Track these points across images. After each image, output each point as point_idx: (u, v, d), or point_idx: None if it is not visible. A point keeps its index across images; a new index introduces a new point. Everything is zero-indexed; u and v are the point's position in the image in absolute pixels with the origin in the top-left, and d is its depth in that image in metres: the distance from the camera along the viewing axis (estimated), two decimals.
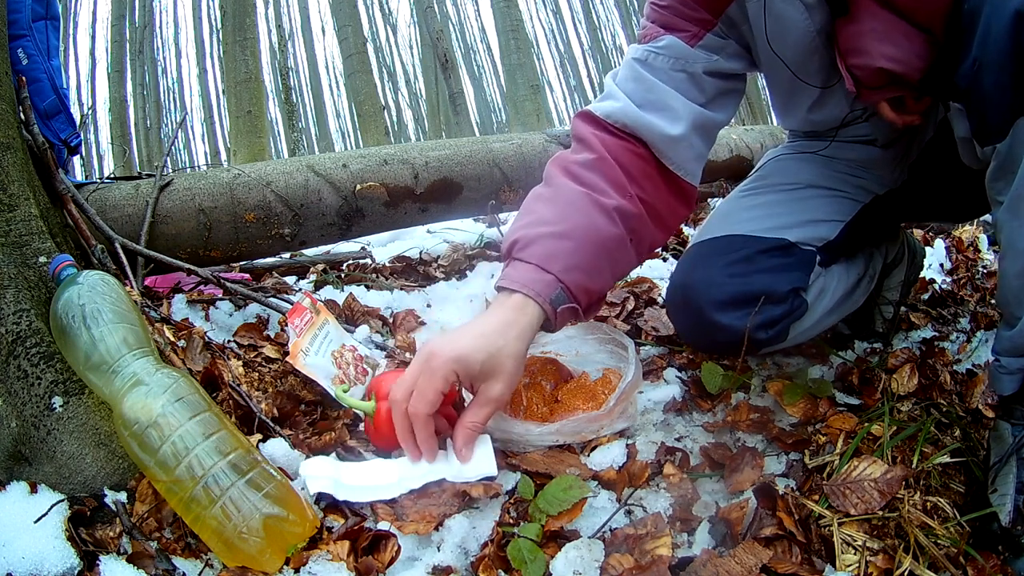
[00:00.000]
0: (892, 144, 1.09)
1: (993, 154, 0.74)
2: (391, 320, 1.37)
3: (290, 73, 13.30)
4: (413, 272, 1.75)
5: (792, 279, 1.00)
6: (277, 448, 0.85)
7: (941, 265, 1.90)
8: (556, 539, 0.76)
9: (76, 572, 0.65)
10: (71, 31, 13.45)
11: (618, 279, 1.01)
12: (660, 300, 1.43)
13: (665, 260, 1.82)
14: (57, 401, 0.77)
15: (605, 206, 0.93)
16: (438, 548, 0.75)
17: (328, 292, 1.44)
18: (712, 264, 1.02)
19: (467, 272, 1.71)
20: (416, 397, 0.82)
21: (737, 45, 1.01)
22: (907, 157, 1.10)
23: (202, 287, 1.34)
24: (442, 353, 0.82)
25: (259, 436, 0.88)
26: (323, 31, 19.37)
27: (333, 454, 0.89)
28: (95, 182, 1.39)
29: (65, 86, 1.44)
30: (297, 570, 0.70)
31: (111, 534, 0.71)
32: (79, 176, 2.75)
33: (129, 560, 0.67)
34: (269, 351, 1.12)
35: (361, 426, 1.00)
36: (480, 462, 0.84)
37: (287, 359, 1.03)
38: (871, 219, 1.11)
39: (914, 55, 0.81)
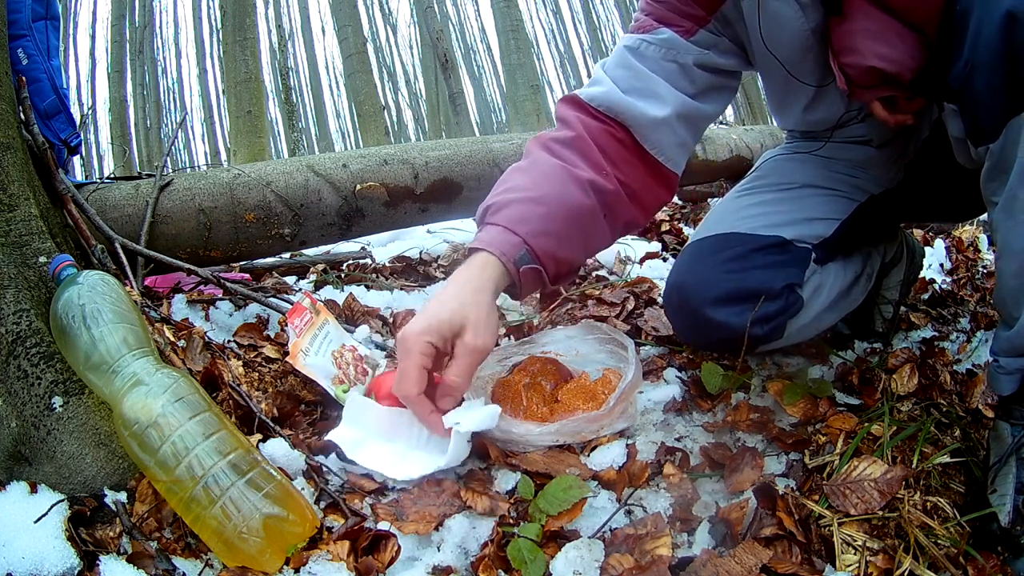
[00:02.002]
0: (888, 144, 1.09)
1: (987, 154, 0.74)
2: (391, 320, 1.37)
3: (290, 73, 13.30)
4: (413, 272, 1.75)
5: (787, 275, 1.00)
6: (277, 448, 0.85)
7: (941, 265, 1.90)
8: (556, 539, 0.76)
9: (76, 572, 0.65)
10: (71, 31, 13.46)
11: (591, 253, 1.04)
12: (660, 300, 1.43)
13: (665, 260, 1.82)
14: (57, 401, 0.77)
15: (579, 178, 0.95)
16: (438, 548, 0.75)
17: (328, 292, 1.44)
18: (707, 262, 1.02)
19: None
20: (401, 381, 0.85)
21: (730, 43, 1.02)
22: (903, 157, 1.10)
23: (202, 287, 1.34)
24: (411, 331, 0.85)
25: (259, 436, 0.88)
26: (323, 31, 19.38)
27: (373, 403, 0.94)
28: (95, 182, 1.39)
29: (65, 86, 1.44)
30: (297, 570, 0.70)
31: (111, 534, 0.71)
32: (79, 176, 2.75)
33: (129, 560, 0.67)
34: (269, 351, 1.12)
35: None
36: (457, 451, 0.85)
37: (287, 359, 1.03)
38: (868, 218, 1.11)
39: (907, 55, 0.82)
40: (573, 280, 1.33)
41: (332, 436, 0.88)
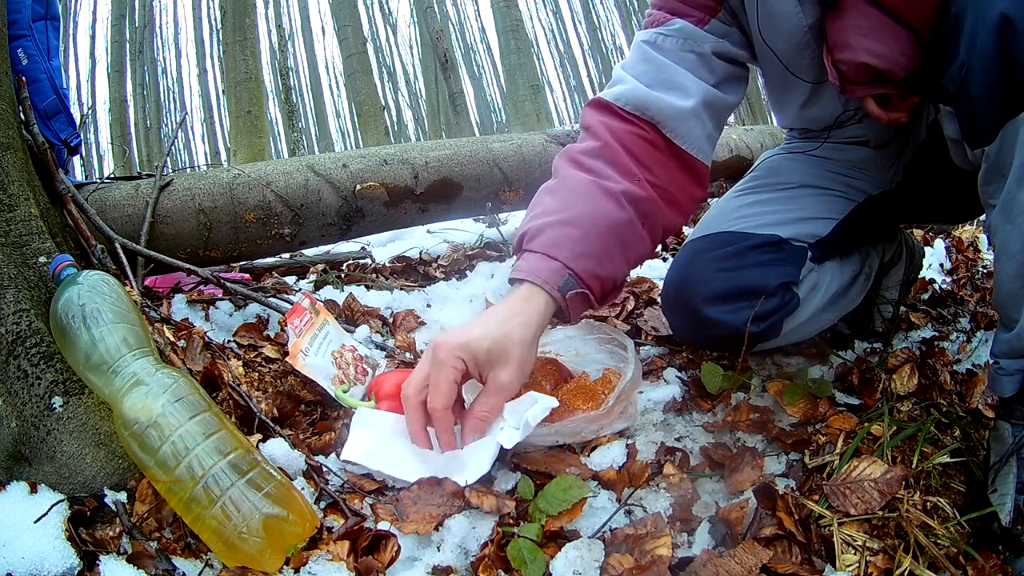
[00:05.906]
0: (885, 145, 1.09)
1: (983, 157, 0.74)
2: (391, 320, 1.37)
3: (290, 73, 13.30)
4: (413, 272, 1.75)
5: (782, 274, 1.00)
6: (277, 448, 0.85)
7: (941, 265, 1.90)
8: (556, 539, 0.76)
9: (76, 572, 0.65)
10: (71, 31, 13.46)
11: (634, 265, 1.01)
12: (659, 299, 1.42)
13: (665, 260, 1.82)
14: (57, 401, 0.77)
15: (611, 190, 0.93)
16: (438, 548, 0.75)
17: (328, 292, 1.44)
18: (703, 261, 1.02)
19: (467, 272, 1.71)
20: (431, 392, 0.83)
21: (740, 34, 1.02)
22: (901, 158, 1.10)
23: (202, 287, 1.34)
24: (448, 343, 0.84)
25: (259, 436, 0.88)
26: (323, 31, 19.39)
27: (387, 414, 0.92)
28: (95, 182, 1.39)
29: (65, 86, 1.44)
30: (297, 570, 0.70)
31: (111, 534, 0.71)
32: (79, 176, 2.75)
33: (129, 560, 0.67)
34: (269, 351, 1.12)
35: None
36: (482, 463, 0.84)
37: (287, 359, 1.03)
38: (866, 218, 1.11)
39: (899, 53, 0.82)
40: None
41: (346, 456, 0.86)
